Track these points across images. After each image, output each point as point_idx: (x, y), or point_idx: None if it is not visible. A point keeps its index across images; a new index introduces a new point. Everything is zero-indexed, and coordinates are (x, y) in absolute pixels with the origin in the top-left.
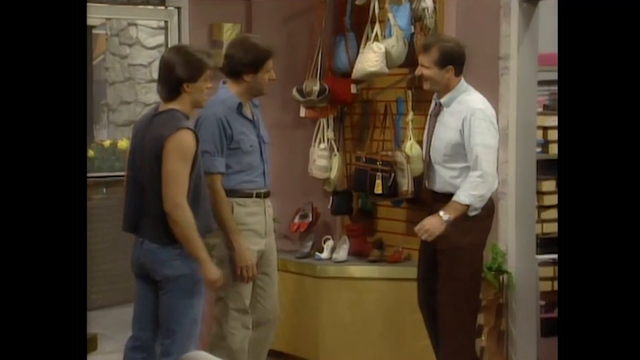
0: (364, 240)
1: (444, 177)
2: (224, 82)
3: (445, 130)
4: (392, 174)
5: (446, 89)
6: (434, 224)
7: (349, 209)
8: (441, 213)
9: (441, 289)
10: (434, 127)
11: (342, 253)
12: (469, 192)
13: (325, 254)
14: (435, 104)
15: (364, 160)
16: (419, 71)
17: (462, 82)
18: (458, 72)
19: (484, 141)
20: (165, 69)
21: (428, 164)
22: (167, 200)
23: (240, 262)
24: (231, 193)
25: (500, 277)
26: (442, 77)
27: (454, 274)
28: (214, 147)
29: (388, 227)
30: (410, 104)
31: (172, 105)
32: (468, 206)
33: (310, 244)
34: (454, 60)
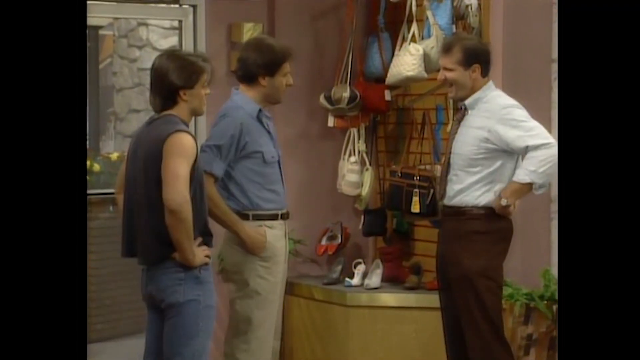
0: (399, 264)
1: (460, 186)
2: (237, 89)
3: (473, 131)
4: (431, 191)
5: (471, 91)
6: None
7: (383, 229)
8: (502, 201)
9: (464, 323)
10: (456, 133)
11: (374, 279)
12: (527, 170)
13: (356, 280)
14: (460, 108)
15: (400, 175)
16: (441, 76)
17: (490, 84)
18: (485, 72)
19: (533, 125)
20: (158, 76)
21: (444, 175)
22: (175, 196)
23: (254, 247)
24: (258, 217)
25: (554, 307)
26: (468, 79)
27: (472, 307)
28: (221, 148)
29: (426, 249)
30: (451, 112)
31: (169, 112)
32: (530, 185)
33: (339, 268)
34: (479, 58)
